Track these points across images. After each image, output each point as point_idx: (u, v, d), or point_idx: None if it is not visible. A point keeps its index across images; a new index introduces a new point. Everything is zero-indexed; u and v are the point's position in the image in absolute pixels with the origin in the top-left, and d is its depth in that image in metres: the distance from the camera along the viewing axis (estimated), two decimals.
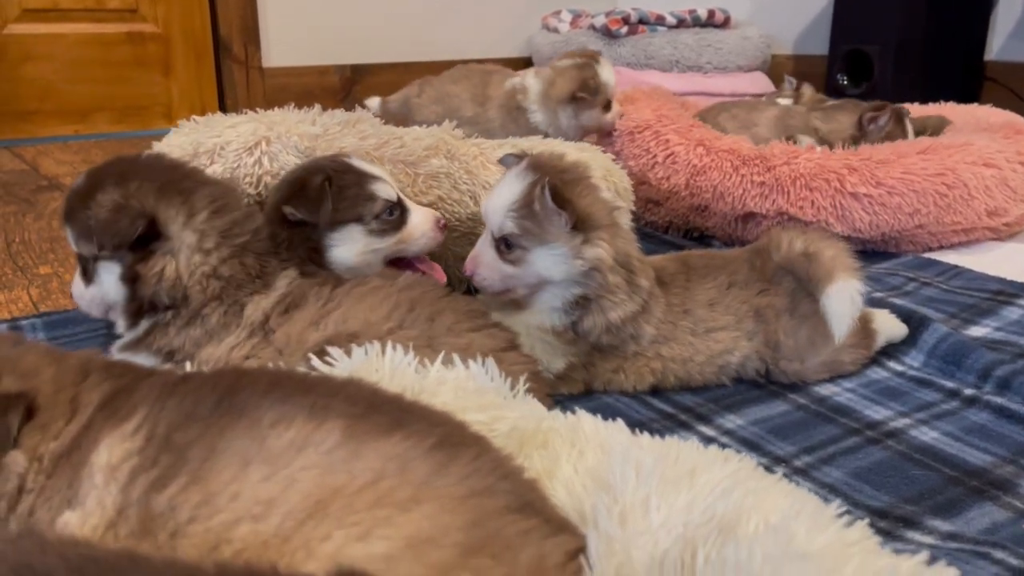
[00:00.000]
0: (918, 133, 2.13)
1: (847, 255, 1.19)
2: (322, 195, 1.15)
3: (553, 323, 1.15)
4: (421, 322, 1.02)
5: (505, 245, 1.13)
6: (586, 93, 2.01)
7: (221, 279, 1.05)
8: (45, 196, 2.29)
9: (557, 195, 1.07)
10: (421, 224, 1.24)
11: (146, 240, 1.03)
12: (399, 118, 2.10)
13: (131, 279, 1.04)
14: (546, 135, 1.91)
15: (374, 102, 2.37)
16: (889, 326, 1.31)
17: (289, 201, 1.16)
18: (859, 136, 2.12)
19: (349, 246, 1.18)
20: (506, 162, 1.22)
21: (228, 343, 1.04)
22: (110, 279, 1.06)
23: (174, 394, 0.65)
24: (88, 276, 1.08)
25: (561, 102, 2.04)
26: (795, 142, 2.03)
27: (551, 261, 1.11)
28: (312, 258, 1.16)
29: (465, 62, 3.98)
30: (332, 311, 1.04)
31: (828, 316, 1.15)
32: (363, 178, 1.20)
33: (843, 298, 1.14)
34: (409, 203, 1.26)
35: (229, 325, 1.04)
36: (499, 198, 1.13)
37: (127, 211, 1.00)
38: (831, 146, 1.93)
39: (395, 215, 1.22)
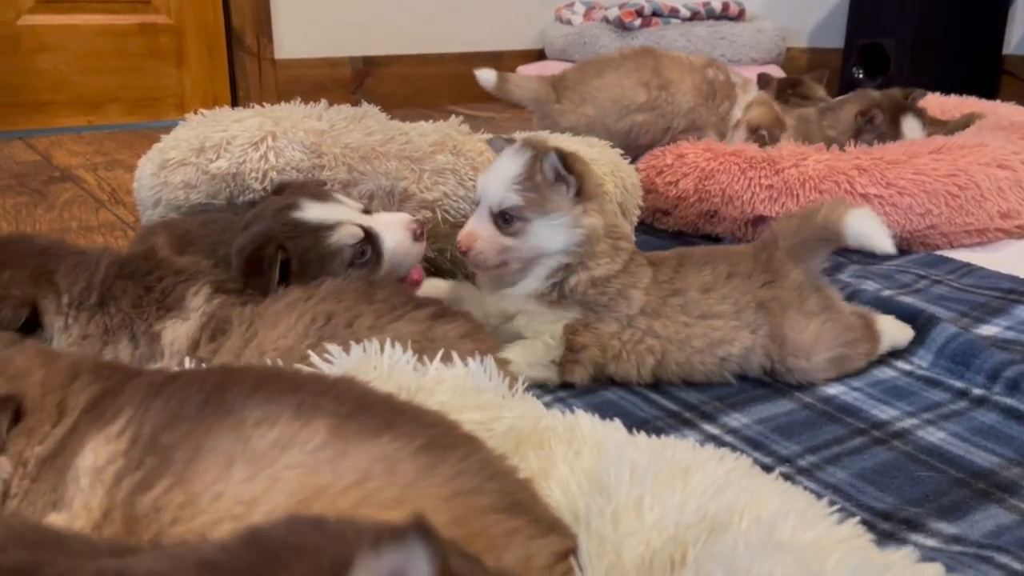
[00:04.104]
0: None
1: (841, 198, 1.27)
2: (272, 268, 1.06)
3: (540, 288, 1.19)
4: (341, 330, 0.97)
5: (503, 219, 1.16)
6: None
7: (90, 336, 1.03)
8: (57, 187, 2.31)
9: (566, 162, 1.13)
10: (399, 246, 1.14)
11: (28, 328, 1.02)
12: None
13: None
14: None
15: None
16: (893, 331, 1.30)
17: (245, 281, 1.08)
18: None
19: None
20: (495, 145, 1.26)
21: None
22: None
23: (160, 394, 0.65)
24: None
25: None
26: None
27: (552, 231, 1.16)
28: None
29: (477, 54, 3.99)
30: (250, 341, 0.99)
31: (864, 240, 1.19)
32: (318, 234, 1.10)
33: (865, 217, 1.19)
34: (380, 224, 1.14)
35: (153, 355, 1.02)
36: (499, 172, 1.17)
37: (9, 300, 1.01)
38: (841, 146, 1.91)
39: (368, 253, 1.11)
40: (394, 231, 1.14)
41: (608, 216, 1.22)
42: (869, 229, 1.18)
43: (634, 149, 2.02)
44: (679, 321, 1.19)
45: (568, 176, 1.15)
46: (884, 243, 1.18)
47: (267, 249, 1.07)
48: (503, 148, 1.21)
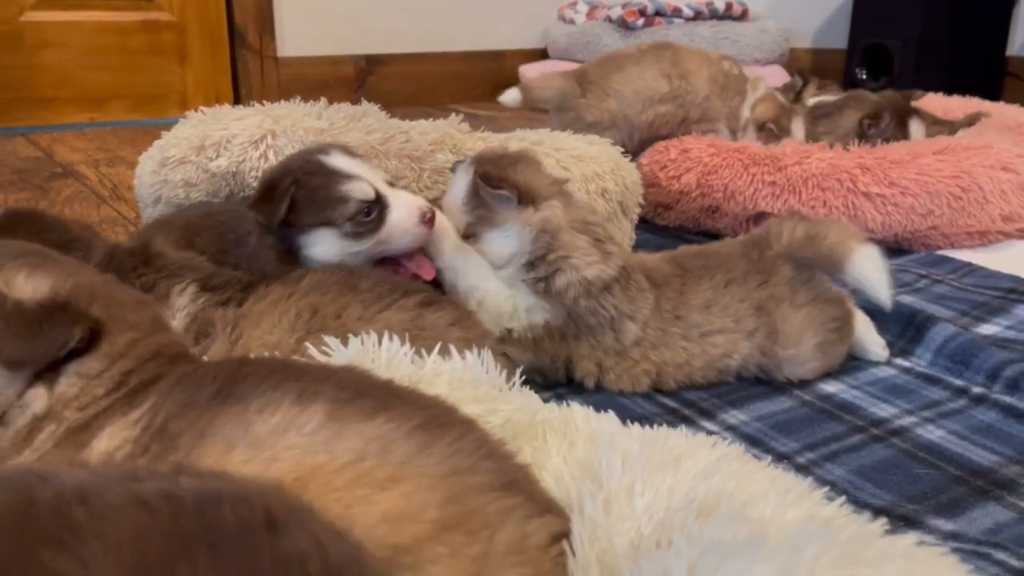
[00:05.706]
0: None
1: (851, 227, 1.22)
2: (282, 198, 1.11)
3: (525, 275, 1.16)
4: (329, 321, 0.99)
5: (466, 237, 1.19)
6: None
7: None
8: (59, 183, 2.31)
9: (490, 178, 1.13)
10: (403, 222, 1.15)
11: None
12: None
13: None
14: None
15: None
16: (867, 336, 1.29)
17: (254, 205, 1.13)
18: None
19: (323, 249, 1.13)
20: (455, 168, 1.26)
21: None
22: None
23: (180, 384, 0.67)
24: None
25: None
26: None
27: (505, 240, 1.16)
28: (284, 259, 1.13)
29: (479, 53, 4.00)
30: (236, 342, 1.00)
31: (864, 284, 1.19)
32: (333, 179, 1.13)
33: (869, 262, 1.18)
34: (394, 196, 1.16)
35: None
36: (452, 195, 1.21)
37: None
38: (844, 145, 1.91)
39: (372, 215, 1.14)
40: (404, 207, 1.16)
41: (576, 213, 1.17)
42: (872, 275, 1.18)
43: (654, 141, 2.04)
44: (679, 347, 1.17)
45: (498, 192, 1.13)
46: (883, 294, 1.18)
47: (283, 180, 1.12)
48: (459, 166, 1.22)
